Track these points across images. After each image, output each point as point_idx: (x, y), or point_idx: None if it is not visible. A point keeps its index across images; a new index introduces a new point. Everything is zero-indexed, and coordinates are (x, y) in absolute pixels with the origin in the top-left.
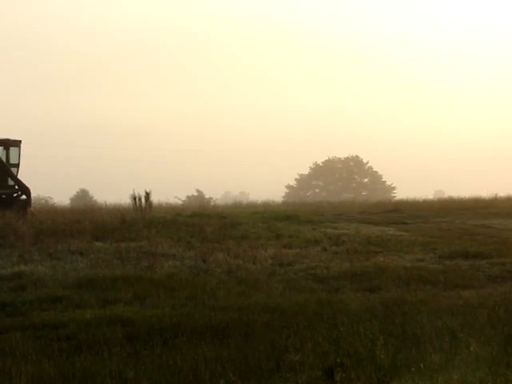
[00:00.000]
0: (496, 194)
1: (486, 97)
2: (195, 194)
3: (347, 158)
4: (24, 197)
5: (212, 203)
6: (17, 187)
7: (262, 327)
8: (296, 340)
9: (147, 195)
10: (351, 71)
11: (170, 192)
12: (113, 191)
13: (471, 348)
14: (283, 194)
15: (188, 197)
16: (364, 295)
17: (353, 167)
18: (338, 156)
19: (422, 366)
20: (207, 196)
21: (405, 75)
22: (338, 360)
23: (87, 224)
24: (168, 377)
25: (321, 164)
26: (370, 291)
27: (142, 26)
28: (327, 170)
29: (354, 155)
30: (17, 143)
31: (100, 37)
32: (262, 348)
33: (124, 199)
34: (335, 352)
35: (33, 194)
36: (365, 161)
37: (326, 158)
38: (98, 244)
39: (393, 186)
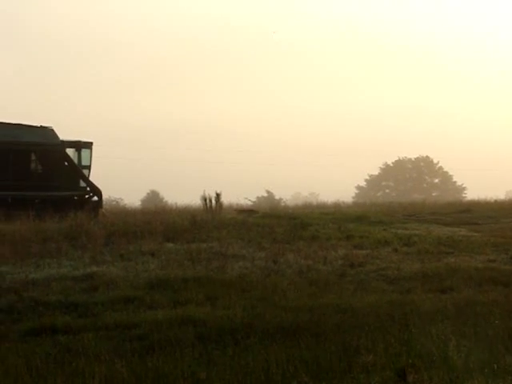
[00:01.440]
0: None
1: None
2: (265, 194)
3: (417, 159)
4: (95, 198)
5: (282, 204)
6: (88, 189)
7: (333, 328)
8: (367, 341)
9: (217, 196)
10: (421, 71)
11: (240, 193)
12: (183, 192)
13: None
14: (353, 195)
15: (258, 198)
16: (435, 296)
17: (423, 167)
18: (409, 156)
19: (495, 367)
20: (277, 197)
21: (474, 74)
22: (410, 361)
23: (158, 225)
24: (240, 377)
25: (391, 164)
26: (442, 292)
27: (209, 26)
28: (397, 171)
29: (425, 155)
30: (88, 145)
31: (165, 37)
32: (334, 349)
33: (194, 200)
34: (407, 353)
35: (104, 196)
36: (435, 161)
37: (396, 159)
38: (169, 245)
39: (464, 186)
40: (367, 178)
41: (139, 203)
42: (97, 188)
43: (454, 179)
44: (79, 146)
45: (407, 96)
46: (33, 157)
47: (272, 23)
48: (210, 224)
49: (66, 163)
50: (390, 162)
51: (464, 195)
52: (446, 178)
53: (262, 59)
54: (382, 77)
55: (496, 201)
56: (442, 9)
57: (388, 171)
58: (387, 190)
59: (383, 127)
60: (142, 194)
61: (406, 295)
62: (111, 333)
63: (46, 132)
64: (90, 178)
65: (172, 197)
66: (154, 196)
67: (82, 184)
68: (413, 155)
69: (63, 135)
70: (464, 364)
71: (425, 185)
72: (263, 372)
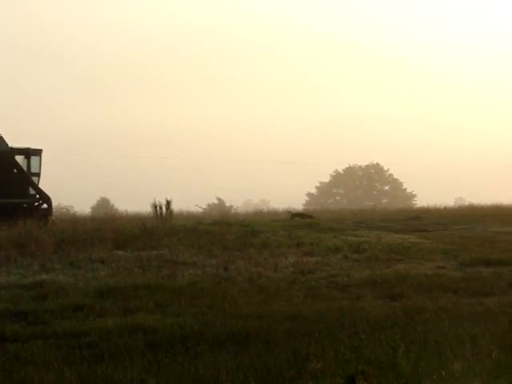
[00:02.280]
0: None
1: (508, 103)
2: (216, 202)
3: (368, 166)
4: (45, 206)
5: (233, 211)
6: (38, 196)
7: (283, 335)
8: (317, 348)
9: (168, 203)
10: (371, 78)
11: (190, 200)
12: (134, 200)
13: (493, 355)
14: (304, 202)
15: (209, 205)
16: (385, 303)
17: (373, 175)
18: (359, 164)
19: (443, 373)
20: (228, 204)
21: (425, 81)
22: (360, 368)
23: (108, 232)
24: None
25: (341, 172)
26: (391, 299)
27: (152, 32)
28: (348, 178)
29: (375, 163)
30: (37, 152)
31: (109, 45)
32: (284, 356)
33: (145, 208)
34: (356, 360)
35: (53, 203)
36: (385, 168)
37: (347, 166)
38: (119, 252)
39: (413, 193)
40: (318, 185)
41: (89, 210)
42: (46, 195)
43: (404, 186)
44: (28, 153)
45: (358, 103)
46: None
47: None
48: (161, 231)
49: (16, 170)
50: (340, 170)
51: (414, 202)
52: (396, 185)
53: (211, 64)
54: (333, 84)
55: (445, 208)
56: (371, 13)
57: (339, 178)
58: (338, 197)
59: (334, 134)
60: (93, 202)
61: (356, 302)
62: (60, 341)
63: None
64: (40, 186)
65: (123, 204)
66: (104, 203)
67: (32, 191)
68: (363, 162)
69: (12, 142)
70: (413, 370)
71: (375, 192)
72: (213, 379)
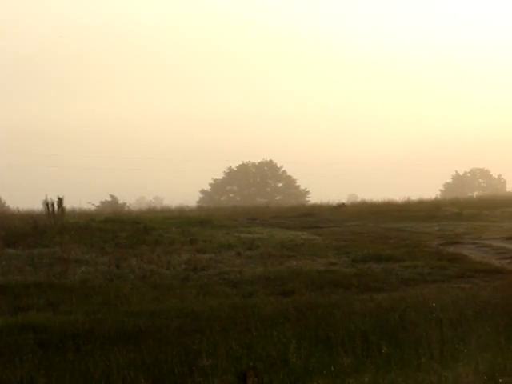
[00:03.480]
0: (408, 198)
1: (396, 103)
2: (109, 199)
3: (261, 163)
4: None
5: (126, 208)
6: None
7: (175, 332)
8: (209, 345)
9: (60, 201)
10: (263, 77)
11: (83, 198)
12: (26, 198)
13: (383, 350)
14: (197, 199)
15: (102, 202)
16: (277, 299)
17: (267, 172)
18: (252, 161)
19: (333, 369)
20: (121, 201)
21: (316, 80)
22: (251, 364)
23: None
24: (80, 383)
25: (235, 169)
26: (284, 295)
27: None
28: (241, 175)
29: (268, 160)
30: None
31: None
32: (175, 353)
33: (37, 205)
34: (248, 356)
35: None
36: (279, 165)
37: (241, 163)
38: (10, 250)
39: (307, 190)
40: (212, 182)
41: None
42: None
43: (298, 183)
44: None
45: (251, 101)
46: None
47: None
48: (53, 229)
49: None
50: (234, 167)
51: (307, 199)
52: (289, 182)
53: (101, 60)
54: (226, 82)
55: (338, 204)
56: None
57: (232, 175)
58: (231, 195)
59: (227, 131)
60: None
61: (249, 298)
62: None
63: None
64: None
65: (14, 202)
66: None
67: None
68: (257, 159)
69: None
70: (304, 366)
71: (268, 189)
72: (104, 377)
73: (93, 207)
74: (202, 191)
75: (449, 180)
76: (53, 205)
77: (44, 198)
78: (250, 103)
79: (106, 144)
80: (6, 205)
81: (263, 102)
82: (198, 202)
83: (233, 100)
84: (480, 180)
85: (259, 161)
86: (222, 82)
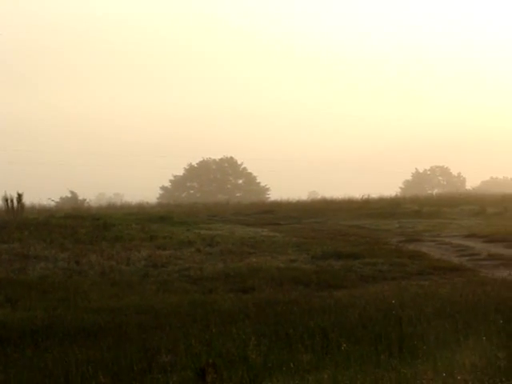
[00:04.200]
0: (368, 195)
1: (357, 101)
2: (69, 195)
3: (222, 160)
4: None
5: (86, 205)
6: None
7: (134, 329)
8: (168, 341)
9: (19, 197)
10: (223, 74)
11: (43, 194)
12: None
13: (342, 347)
14: (158, 196)
15: (62, 198)
16: (237, 296)
17: (227, 168)
18: (213, 157)
19: (292, 365)
20: (81, 197)
21: (279, 74)
22: (210, 361)
23: None
24: (39, 380)
25: (195, 165)
26: (244, 292)
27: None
28: (202, 171)
29: (229, 156)
30: None
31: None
32: (134, 349)
33: None
34: (207, 353)
35: None
36: (239, 162)
37: (201, 159)
38: None
39: (267, 187)
40: (172, 178)
41: None
42: None
43: (258, 180)
44: None
45: (212, 97)
46: None
47: None
48: (12, 225)
49: None
50: (194, 163)
51: (267, 196)
52: (249, 179)
53: (70, 55)
54: (185, 77)
55: (298, 201)
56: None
57: (192, 172)
58: (192, 191)
59: (188, 127)
60: None
61: (208, 295)
62: None
63: None
64: None
65: None
66: None
67: None
68: (217, 156)
69: None
70: (263, 363)
71: (229, 186)
72: (63, 374)
73: (52, 203)
74: (163, 187)
75: (408, 178)
76: (12, 200)
77: (3, 194)
78: (210, 100)
79: (65, 140)
80: None
81: (224, 97)
82: (158, 199)
83: (193, 96)
84: (440, 178)
85: (220, 157)
86: (182, 77)
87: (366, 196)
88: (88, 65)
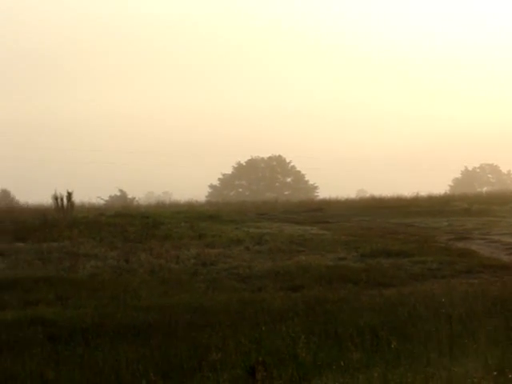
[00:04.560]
0: (417, 193)
1: (406, 99)
2: (118, 194)
3: (270, 158)
4: None
5: (135, 203)
6: None
7: (184, 327)
8: (218, 339)
9: (69, 195)
10: (272, 72)
11: (92, 192)
12: (35, 192)
13: (392, 345)
14: (206, 194)
15: (111, 197)
16: (286, 294)
17: (276, 167)
18: (261, 156)
19: (342, 363)
20: (130, 196)
21: (328, 74)
22: (260, 359)
23: (8, 224)
24: (89, 377)
25: (244, 163)
26: (293, 290)
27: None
28: (250, 170)
29: (277, 155)
30: None
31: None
32: (184, 347)
33: (46, 200)
34: (257, 351)
35: None
36: (288, 160)
37: (249, 158)
38: (19, 245)
39: (316, 185)
40: (220, 176)
41: None
42: None
43: (307, 178)
44: None
45: (260, 96)
46: None
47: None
48: (62, 223)
49: None
50: (243, 161)
51: (316, 194)
52: (298, 177)
53: (108, 55)
54: (233, 77)
55: (347, 200)
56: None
57: (241, 170)
58: (240, 189)
59: (236, 126)
60: None
61: (257, 293)
62: None
63: None
64: None
65: (24, 196)
66: (4, 195)
67: None
68: (266, 154)
69: None
70: (313, 361)
71: (277, 184)
72: (113, 371)
73: (102, 202)
74: (211, 186)
75: (458, 176)
76: (62, 199)
77: (53, 193)
78: (259, 98)
79: (114, 139)
80: (16, 199)
81: (272, 96)
82: (206, 197)
83: (242, 95)
84: (489, 175)
85: (268, 156)
86: (230, 77)
87: (414, 194)
88: (136, 64)
